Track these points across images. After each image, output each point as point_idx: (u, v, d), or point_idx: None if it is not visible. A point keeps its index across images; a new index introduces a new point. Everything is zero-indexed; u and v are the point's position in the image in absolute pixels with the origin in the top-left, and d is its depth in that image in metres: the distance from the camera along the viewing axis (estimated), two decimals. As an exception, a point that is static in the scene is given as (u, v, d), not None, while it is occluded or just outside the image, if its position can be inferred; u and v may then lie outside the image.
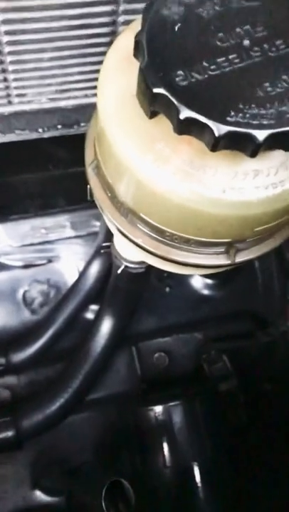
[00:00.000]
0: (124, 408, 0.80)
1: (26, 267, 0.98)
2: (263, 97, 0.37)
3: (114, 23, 0.55)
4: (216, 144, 0.37)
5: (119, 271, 0.68)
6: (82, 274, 0.95)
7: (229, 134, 0.36)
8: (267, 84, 0.38)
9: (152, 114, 0.40)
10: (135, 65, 0.40)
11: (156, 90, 0.37)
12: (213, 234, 0.47)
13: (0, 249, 0.95)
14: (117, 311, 0.85)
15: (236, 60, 0.39)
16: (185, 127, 0.38)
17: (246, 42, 0.39)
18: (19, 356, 0.91)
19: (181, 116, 0.37)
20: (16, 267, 0.97)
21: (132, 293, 0.81)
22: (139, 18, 0.41)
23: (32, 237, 0.96)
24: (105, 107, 0.44)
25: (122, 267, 0.67)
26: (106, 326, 0.85)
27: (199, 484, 0.71)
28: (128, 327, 0.90)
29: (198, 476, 0.69)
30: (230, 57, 0.39)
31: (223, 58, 0.38)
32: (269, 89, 0.38)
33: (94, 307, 0.96)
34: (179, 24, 0.40)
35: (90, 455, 0.83)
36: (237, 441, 0.80)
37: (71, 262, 0.98)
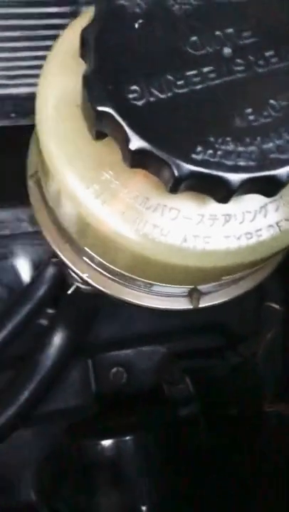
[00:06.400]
0: (70, 433, 0.72)
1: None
2: (243, 128, 0.28)
3: (75, 2, 0.45)
4: (176, 186, 0.28)
5: (69, 291, 0.59)
6: (38, 276, 0.85)
7: (193, 175, 0.27)
8: (249, 110, 0.29)
9: (98, 136, 0.31)
10: (84, 67, 0.30)
11: (101, 108, 0.28)
12: (172, 281, 0.38)
13: None
14: (73, 322, 0.77)
15: (212, 75, 0.29)
16: (137, 160, 0.28)
17: (227, 50, 0.30)
18: None
19: (132, 147, 0.27)
20: None
21: (89, 308, 0.73)
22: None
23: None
24: (43, 115, 0.34)
25: (74, 287, 0.58)
26: (59, 337, 0.77)
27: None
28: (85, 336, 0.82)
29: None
30: (205, 70, 0.29)
31: (195, 71, 0.29)
32: (251, 117, 0.29)
33: (50, 311, 0.87)
34: (141, 20, 0.30)
35: (30, 482, 0.75)
36: (196, 474, 0.73)
37: (27, 260, 0.88)
